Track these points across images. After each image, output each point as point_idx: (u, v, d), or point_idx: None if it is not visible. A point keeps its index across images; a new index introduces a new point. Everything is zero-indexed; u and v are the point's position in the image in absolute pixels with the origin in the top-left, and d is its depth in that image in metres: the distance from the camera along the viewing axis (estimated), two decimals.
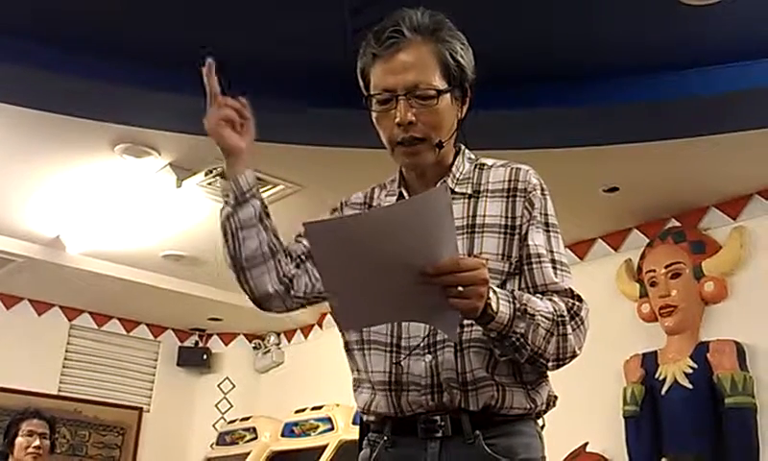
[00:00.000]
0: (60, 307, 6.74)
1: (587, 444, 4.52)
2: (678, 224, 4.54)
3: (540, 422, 1.63)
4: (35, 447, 3.62)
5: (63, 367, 6.70)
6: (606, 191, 4.32)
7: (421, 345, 1.51)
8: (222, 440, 6.47)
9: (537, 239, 1.56)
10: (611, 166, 4.08)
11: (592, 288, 5.06)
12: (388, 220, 1.33)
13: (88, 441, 6.70)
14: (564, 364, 1.55)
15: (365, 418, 1.68)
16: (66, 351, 6.74)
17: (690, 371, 4.11)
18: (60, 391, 6.63)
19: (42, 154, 4.19)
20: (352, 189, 4.67)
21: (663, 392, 4.19)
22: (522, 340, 1.42)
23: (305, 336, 6.91)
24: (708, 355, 4.06)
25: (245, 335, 7.30)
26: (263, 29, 3.20)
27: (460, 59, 1.59)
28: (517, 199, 1.59)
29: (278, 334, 7.13)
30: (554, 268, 1.56)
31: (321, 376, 6.29)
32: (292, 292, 1.65)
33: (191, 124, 3.78)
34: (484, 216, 1.57)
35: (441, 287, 1.29)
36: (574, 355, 1.55)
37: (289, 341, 7.09)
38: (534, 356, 1.46)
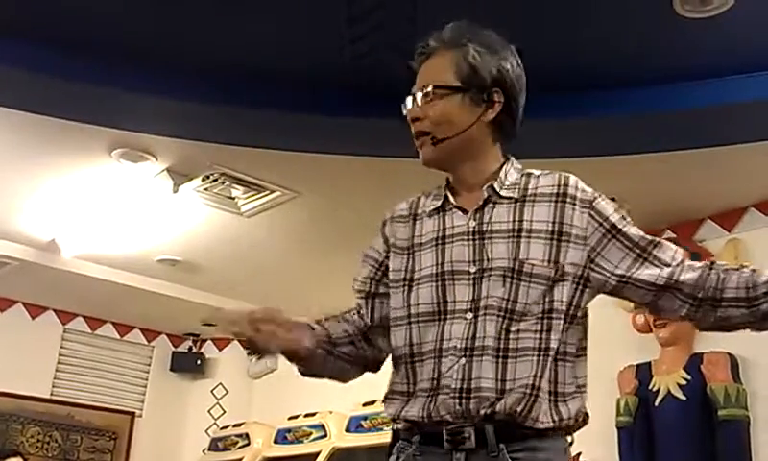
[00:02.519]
0: (54, 311, 6.72)
1: (580, 454, 4.51)
2: (673, 235, 4.55)
3: (568, 438, 1.62)
4: None
5: (56, 371, 6.68)
6: None
7: (459, 346, 1.54)
8: (214, 446, 6.46)
9: (637, 231, 1.62)
10: (606, 177, 4.07)
11: None
12: None
13: (80, 445, 6.68)
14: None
15: (395, 426, 1.68)
16: (60, 355, 6.72)
17: (684, 382, 4.11)
18: (52, 395, 6.61)
19: (39, 157, 4.18)
20: (348, 197, 4.71)
21: (657, 403, 4.20)
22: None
23: None
24: (702, 367, 4.06)
25: (239, 341, 7.27)
26: (261, 36, 3.20)
27: (472, 59, 1.64)
28: (567, 205, 1.61)
29: None
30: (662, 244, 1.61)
31: (314, 382, 6.26)
32: (369, 368, 1.79)
33: (188, 129, 3.79)
34: (531, 221, 1.59)
35: None
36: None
37: None
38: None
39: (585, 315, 1.65)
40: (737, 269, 1.56)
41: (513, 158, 1.71)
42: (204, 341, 7.40)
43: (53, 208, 4.84)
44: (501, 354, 1.52)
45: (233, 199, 4.53)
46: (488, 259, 1.56)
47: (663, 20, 2.94)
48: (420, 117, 1.66)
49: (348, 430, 5.27)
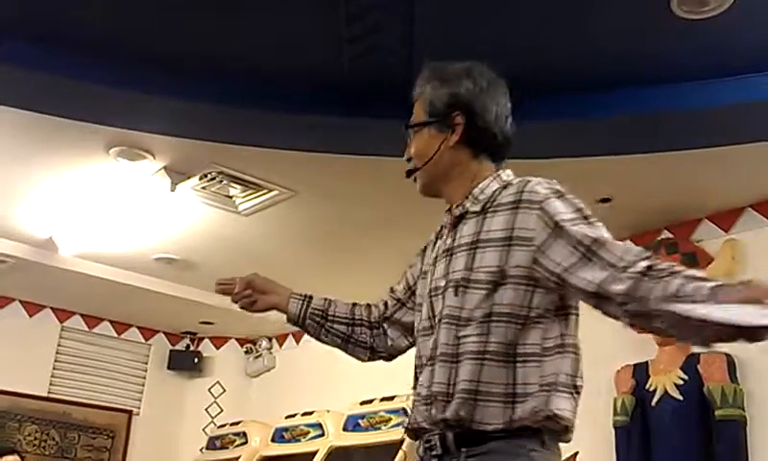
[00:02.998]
0: (52, 309, 6.72)
1: (577, 453, 4.52)
2: (671, 235, 4.56)
3: (536, 441, 1.60)
4: None
5: (54, 369, 6.68)
6: (599, 202, 4.33)
7: (428, 355, 1.68)
8: (212, 444, 6.46)
9: (587, 231, 1.60)
10: (604, 178, 4.09)
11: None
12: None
13: (78, 443, 6.68)
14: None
15: None
16: (57, 353, 6.72)
17: (681, 382, 4.12)
18: (49, 393, 6.61)
19: (37, 155, 4.18)
20: (345, 196, 4.70)
21: (654, 403, 4.20)
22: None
23: (297, 341, 6.90)
24: (699, 367, 4.07)
25: (236, 339, 7.29)
26: (260, 36, 3.20)
27: (429, 95, 1.83)
28: (519, 210, 1.66)
29: (270, 339, 7.11)
30: (617, 243, 1.59)
31: (312, 381, 6.29)
32: (377, 352, 2.01)
33: (186, 128, 3.79)
34: (488, 231, 1.67)
35: None
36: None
37: (281, 346, 7.07)
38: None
39: (552, 314, 1.65)
40: (672, 274, 1.47)
41: (503, 171, 1.80)
42: (201, 339, 7.40)
43: (50, 206, 4.84)
44: (450, 360, 1.61)
45: (231, 198, 4.53)
46: (451, 272, 1.68)
47: (661, 21, 2.94)
48: (409, 158, 1.87)
49: (345, 429, 5.27)
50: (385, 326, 1.99)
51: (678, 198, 4.30)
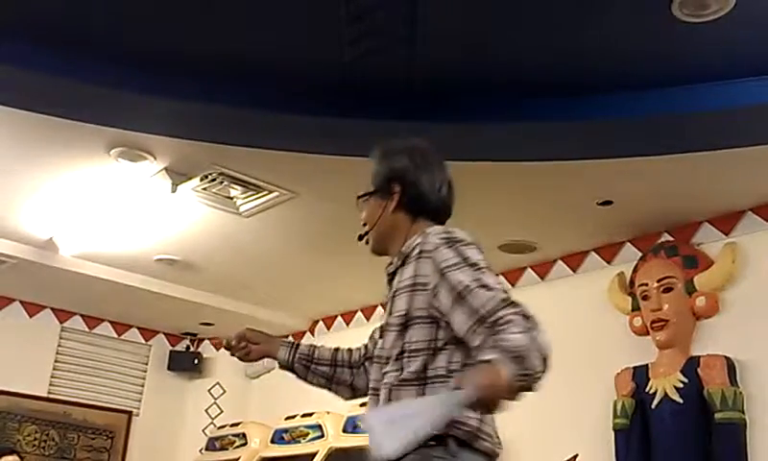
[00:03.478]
0: (52, 309, 6.72)
1: (576, 456, 4.52)
2: (671, 238, 4.56)
3: (440, 449, 1.77)
4: None
5: (54, 369, 6.68)
6: (600, 204, 4.33)
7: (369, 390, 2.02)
8: (211, 445, 6.46)
9: (460, 277, 1.80)
10: (605, 180, 4.09)
11: (584, 301, 5.12)
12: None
13: (77, 444, 6.67)
14: (546, 366, 1.76)
15: None
16: (57, 354, 6.72)
17: (681, 385, 4.11)
18: (49, 393, 6.61)
19: (37, 156, 4.18)
20: (346, 198, 4.67)
21: (654, 406, 4.20)
22: (527, 374, 1.70)
23: None
24: (699, 370, 4.07)
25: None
26: (260, 36, 3.20)
27: (374, 170, 2.16)
28: (421, 259, 1.90)
29: None
30: (486, 290, 1.77)
31: None
32: (358, 390, 2.27)
33: (187, 129, 3.79)
34: (402, 280, 1.95)
35: None
36: (548, 354, 1.76)
37: None
38: (537, 376, 1.74)
39: (455, 342, 1.84)
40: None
41: (432, 228, 1.98)
42: (201, 340, 7.40)
43: (51, 207, 4.84)
44: (375, 394, 1.93)
45: (232, 199, 4.53)
46: (383, 319, 2.02)
47: (662, 24, 2.94)
48: (364, 223, 2.16)
49: (345, 431, 5.27)
50: (366, 364, 2.23)
51: (678, 201, 4.30)
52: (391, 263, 2.06)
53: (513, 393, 1.67)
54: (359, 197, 2.16)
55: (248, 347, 2.39)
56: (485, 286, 1.76)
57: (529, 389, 1.71)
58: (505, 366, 1.63)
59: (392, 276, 2.04)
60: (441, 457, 1.76)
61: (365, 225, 2.14)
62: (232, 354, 2.39)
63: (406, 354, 1.86)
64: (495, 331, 1.70)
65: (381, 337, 1.99)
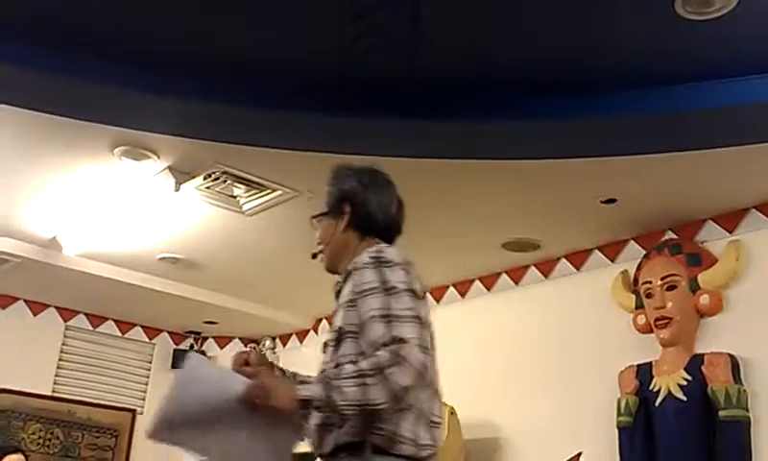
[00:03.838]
0: (56, 308, 6.73)
1: (580, 453, 4.52)
2: (675, 236, 4.55)
3: (356, 456, 1.93)
4: None
5: (58, 368, 6.70)
6: (603, 202, 4.32)
7: None
8: None
9: (371, 303, 1.95)
10: (609, 178, 4.09)
11: (588, 299, 5.12)
12: (181, 394, 1.86)
13: (81, 442, 6.69)
14: (400, 397, 1.86)
15: None
16: (61, 352, 6.74)
17: (685, 383, 4.11)
18: (54, 392, 6.62)
19: (41, 155, 4.19)
20: None
21: (657, 403, 4.20)
22: (333, 404, 1.83)
23: (300, 341, 6.91)
24: (703, 368, 4.06)
25: (240, 339, 7.29)
26: (261, 36, 3.20)
27: (327, 192, 2.32)
28: (352, 277, 2.05)
29: (274, 338, 7.12)
30: (385, 323, 1.91)
31: None
32: None
33: (190, 128, 3.80)
34: (342, 297, 2.09)
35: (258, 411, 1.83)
36: (403, 388, 1.85)
37: (284, 345, 7.08)
38: (361, 408, 1.84)
39: None
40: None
41: (376, 245, 2.12)
42: (205, 339, 7.41)
43: (55, 206, 4.85)
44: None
45: (235, 197, 4.53)
46: (330, 330, 2.13)
47: (665, 21, 2.93)
48: (319, 242, 2.30)
49: None
50: None
51: (682, 199, 4.29)
52: (338, 282, 2.18)
53: (294, 409, 1.84)
54: (313, 217, 2.32)
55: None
56: (387, 316, 1.91)
57: (338, 414, 1.87)
58: (313, 387, 1.85)
59: (338, 293, 2.16)
60: None
61: (319, 244, 2.29)
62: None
63: (340, 368, 1.94)
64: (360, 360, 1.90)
65: (324, 351, 2.13)
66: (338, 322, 2.06)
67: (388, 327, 1.90)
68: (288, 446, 1.96)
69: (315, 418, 1.99)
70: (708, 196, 4.25)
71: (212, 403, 1.85)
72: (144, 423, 6.89)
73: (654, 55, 3.16)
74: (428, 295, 6.32)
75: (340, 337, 2.03)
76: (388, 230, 2.26)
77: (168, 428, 1.86)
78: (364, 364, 1.86)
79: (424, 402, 2.01)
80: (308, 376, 1.97)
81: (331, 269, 2.26)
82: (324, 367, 2.07)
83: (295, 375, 2.25)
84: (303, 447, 2.05)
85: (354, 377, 1.84)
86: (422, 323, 1.98)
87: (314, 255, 2.30)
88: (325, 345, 2.12)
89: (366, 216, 2.23)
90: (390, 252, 2.07)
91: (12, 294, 6.45)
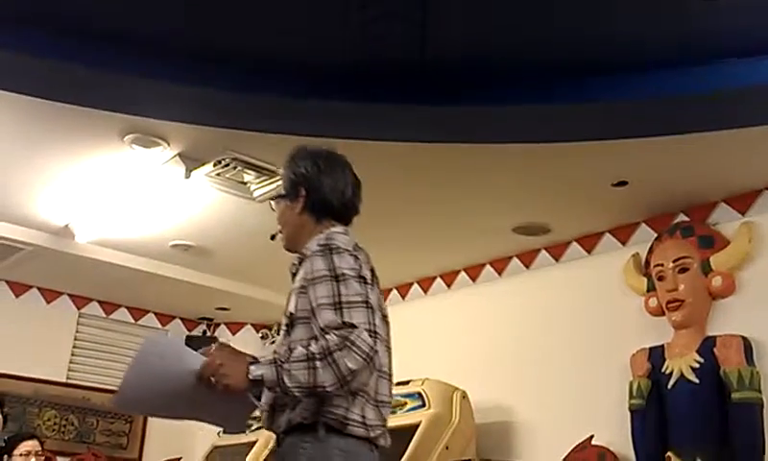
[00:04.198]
0: (69, 296, 6.77)
1: (592, 436, 4.52)
2: (686, 218, 4.54)
3: (311, 435, 2.07)
4: None
5: (72, 355, 6.74)
6: (615, 185, 4.31)
7: None
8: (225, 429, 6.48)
9: (320, 291, 2.06)
10: (620, 161, 4.07)
11: (600, 282, 5.11)
12: (141, 370, 2.04)
13: (96, 428, 6.75)
14: (347, 380, 1.97)
15: None
16: (75, 340, 6.77)
17: (697, 365, 4.10)
18: (68, 379, 6.67)
19: (52, 143, 4.20)
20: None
21: (670, 386, 4.19)
22: (284, 385, 1.96)
23: None
24: (715, 350, 4.05)
25: (252, 325, 7.32)
26: (266, 21, 3.20)
27: (283, 175, 2.39)
28: (304, 263, 2.17)
29: None
30: (335, 310, 2.02)
31: None
32: None
33: (200, 115, 3.80)
34: (296, 281, 2.20)
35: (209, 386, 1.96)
36: (351, 371, 1.96)
37: None
38: (309, 390, 1.97)
39: None
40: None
41: (333, 228, 2.26)
42: (217, 325, 7.44)
43: (66, 194, 4.87)
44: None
45: (245, 184, 4.54)
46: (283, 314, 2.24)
47: (675, 2, 2.91)
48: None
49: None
50: None
51: (694, 181, 4.27)
52: (293, 264, 2.29)
53: (246, 388, 1.99)
54: (272, 199, 2.42)
55: None
56: (336, 303, 2.02)
57: (286, 394, 2.00)
58: (263, 368, 1.98)
59: (293, 275, 2.27)
60: (309, 442, 2.05)
61: (279, 225, 2.38)
62: None
63: (291, 351, 2.04)
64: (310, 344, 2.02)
65: (278, 334, 2.26)
66: (290, 307, 2.16)
67: (337, 313, 2.01)
68: (241, 417, 2.19)
69: (267, 397, 2.12)
70: (720, 178, 4.23)
71: (172, 379, 2.00)
72: None
73: (666, 36, 3.13)
74: (440, 280, 6.32)
75: (292, 322, 2.14)
76: (344, 212, 2.34)
77: (130, 402, 2.12)
78: (313, 347, 1.97)
79: (372, 385, 2.11)
80: (261, 357, 2.03)
81: (290, 249, 2.36)
82: (276, 349, 2.16)
83: (254, 357, 2.28)
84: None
85: (303, 361, 1.95)
86: (372, 308, 2.05)
87: (272, 236, 2.41)
88: (279, 328, 2.25)
89: (321, 200, 2.31)
90: (340, 238, 2.18)
91: (25, 282, 6.49)
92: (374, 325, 2.03)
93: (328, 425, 2.05)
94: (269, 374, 1.96)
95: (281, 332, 2.20)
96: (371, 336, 1.99)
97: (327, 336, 1.98)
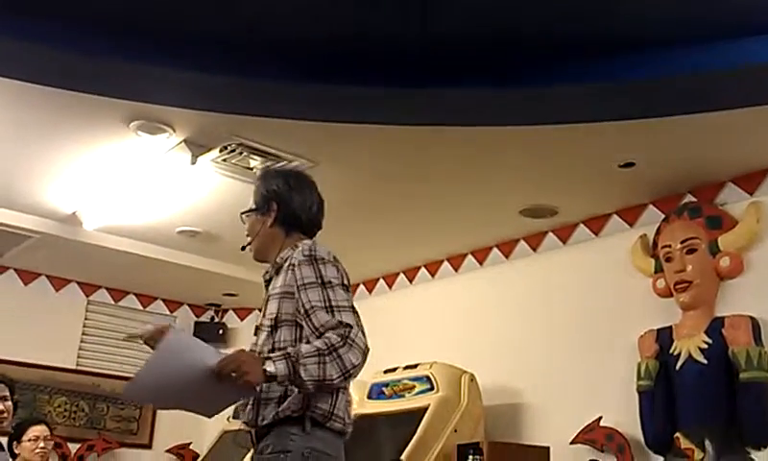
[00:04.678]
0: (78, 283, 6.80)
1: (600, 418, 4.53)
2: (694, 199, 4.52)
3: (297, 427, 2.24)
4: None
5: (81, 342, 6.78)
6: (622, 167, 4.29)
7: None
8: (237, 414, 6.52)
9: (311, 296, 2.24)
10: (627, 141, 4.05)
11: (607, 264, 5.10)
12: (160, 363, 2.13)
13: (107, 414, 6.80)
14: (350, 374, 2.15)
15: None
16: (84, 327, 6.81)
17: (705, 346, 4.10)
18: (78, 365, 6.71)
19: (58, 130, 4.21)
20: (365, 165, 4.68)
21: (678, 367, 4.19)
22: (300, 379, 2.10)
23: None
24: (724, 330, 4.05)
25: (260, 310, 7.33)
26: (276, 7, 3.18)
27: (255, 190, 2.57)
28: (290, 270, 2.33)
29: None
30: (328, 311, 2.21)
31: None
32: None
33: (206, 101, 3.79)
34: (274, 287, 2.39)
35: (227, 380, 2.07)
36: (354, 366, 2.15)
37: None
38: (319, 383, 2.12)
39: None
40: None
41: (304, 241, 2.41)
42: (225, 311, 7.47)
43: (73, 181, 4.88)
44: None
45: (251, 169, 4.53)
46: (258, 319, 2.45)
47: None
48: (248, 235, 2.57)
49: (369, 397, 5.31)
50: None
51: (701, 161, 4.25)
52: (267, 272, 2.49)
53: (260, 382, 2.11)
54: (242, 213, 2.58)
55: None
56: (329, 306, 2.21)
57: (301, 387, 2.15)
58: (277, 364, 2.09)
59: (267, 282, 2.48)
60: (296, 434, 2.22)
61: (248, 236, 2.56)
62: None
63: (276, 352, 2.20)
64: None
65: (256, 335, 2.41)
66: (273, 310, 2.35)
67: (331, 314, 2.20)
68: (224, 406, 2.38)
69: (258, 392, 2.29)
70: (728, 158, 4.20)
71: (186, 373, 2.12)
72: None
73: (672, 15, 3.10)
74: (447, 263, 6.31)
75: (276, 324, 2.32)
76: (309, 226, 2.54)
77: (142, 392, 2.19)
78: (319, 344, 2.14)
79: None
80: (269, 354, 2.18)
81: (259, 259, 2.55)
82: (254, 349, 2.36)
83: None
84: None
85: (315, 356, 2.11)
86: (357, 313, 2.25)
87: (243, 247, 2.59)
88: (257, 329, 2.42)
89: (291, 214, 2.50)
90: (321, 249, 2.35)
91: (34, 270, 6.53)
92: (362, 327, 2.22)
93: (314, 419, 2.24)
94: (283, 368, 2.09)
95: (263, 334, 2.36)
96: (363, 335, 2.19)
97: (327, 335, 2.16)
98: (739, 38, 3.15)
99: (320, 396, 2.24)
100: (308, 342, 2.22)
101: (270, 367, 2.09)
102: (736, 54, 3.17)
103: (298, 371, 2.09)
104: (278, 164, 2.79)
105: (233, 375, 2.07)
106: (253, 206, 2.57)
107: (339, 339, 2.15)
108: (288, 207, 2.51)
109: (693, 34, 3.19)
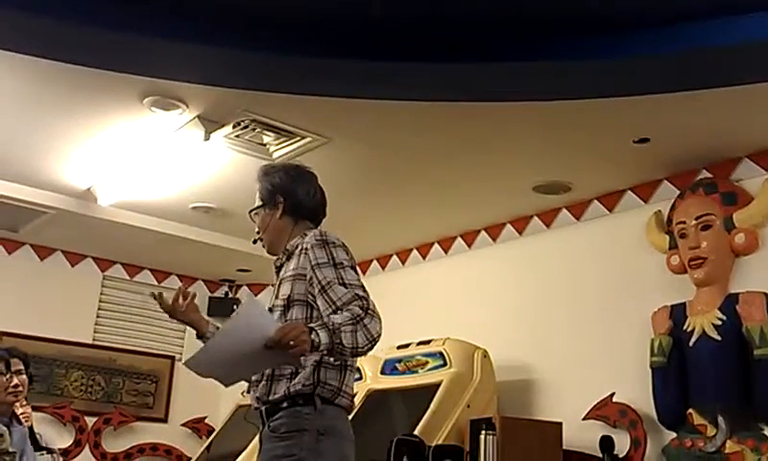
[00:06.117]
0: (93, 259, 6.86)
1: (613, 394, 4.54)
2: (709, 175, 4.49)
3: (309, 406, 2.39)
4: (13, 385, 3.68)
5: (97, 317, 6.84)
6: (636, 142, 4.26)
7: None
8: (249, 389, 6.57)
9: (326, 273, 2.39)
10: (641, 117, 4.02)
11: (621, 239, 5.09)
12: (229, 332, 2.24)
13: (123, 388, 6.87)
14: (375, 343, 2.28)
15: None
16: (100, 302, 6.87)
17: (719, 322, 4.09)
18: (94, 340, 6.78)
19: (72, 107, 4.22)
20: (379, 140, 4.68)
21: (691, 344, 4.19)
22: (341, 346, 2.20)
23: None
24: (738, 307, 4.03)
25: (273, 286, 7.37)
26: None
27: (259, 188, 2.73)
28: (302, 255, 2.49)
29: None
30: (344, 286, 2.35)
31: None
32: None
33: (219, 76, 3.79)
34: (287, 271, 2.56)
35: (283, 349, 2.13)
36: (378, 335, 2.29)
37: None
38: (354, 351, 2.24)
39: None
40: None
41: (313, 230, 2.58)
42: (239, 286, 7.51)
43: (88, 157, 4.91)
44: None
45: (264, 145, 4.54)
46: (271, 300, 2.62)
47: None
48: (258, 230, 2.75)
49: (383, 373, 5.34)
50: None
51: (717, 137, 4.21)
52: (278, 258, 2.65)
53: (310, 350, 2.18)
54: (251, 211, 2.72)
55: (183, 306, 2.84)
56: (343, 283, 2.35)
57: (341, 355, 2.26)
58: (320, 333, 2.17)
59: (279, 268, 2.64)
60: (309, 413, 2.36)
61: (259, 232, 2.72)
62: (166, 310, 2.81)
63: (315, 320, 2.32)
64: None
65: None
66: (286, 291, 2.49)
67: (348, 289, 2.34)
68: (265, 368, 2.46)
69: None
70: (744, 133, 4.17)
71: (249, 343, 2.16)
72: (183, 369, 7.04)
73: None
74: (460, 240, 6.34)
75: (288, 304, 2.47)
76: (315, 214, 2.70)
77: (203, 364, 2.24)
78: (348, 314, 2.25)
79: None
80: (312, 324, 2.24)
81: (271, 251, 2.71)
82: None
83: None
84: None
85: (350, 324, 2.22)
86: (367, 291, 2.37)
87: (254, 241, 2.75)
88: (270, 310, 2.54)
89: (297, 204, 2.66)
90: (331, 234, 2.51)
91: (49, 245, 6.58)
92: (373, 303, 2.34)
93: (323, 397, 2.38)
94: (325, 337, 2.18)
95: (277, 312, 2.49)
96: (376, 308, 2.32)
97: (350, 306, 2.29)
98: (757, 12, 3.11)
99: (330, 372, 2.39)
100: (320, 319, 2.31)
101: (315, 337, 2.17)
102: (754, 28, 3.13)
103: (341, 339, 2.19)
104: (276, 161, 2.89)
105: (291, 344, 2.13)
106: (260, 203, 2.71)
107: (361, 310, 2.27)
108: (294, 198, 2.66)
109: (707, 7, 3.16)
